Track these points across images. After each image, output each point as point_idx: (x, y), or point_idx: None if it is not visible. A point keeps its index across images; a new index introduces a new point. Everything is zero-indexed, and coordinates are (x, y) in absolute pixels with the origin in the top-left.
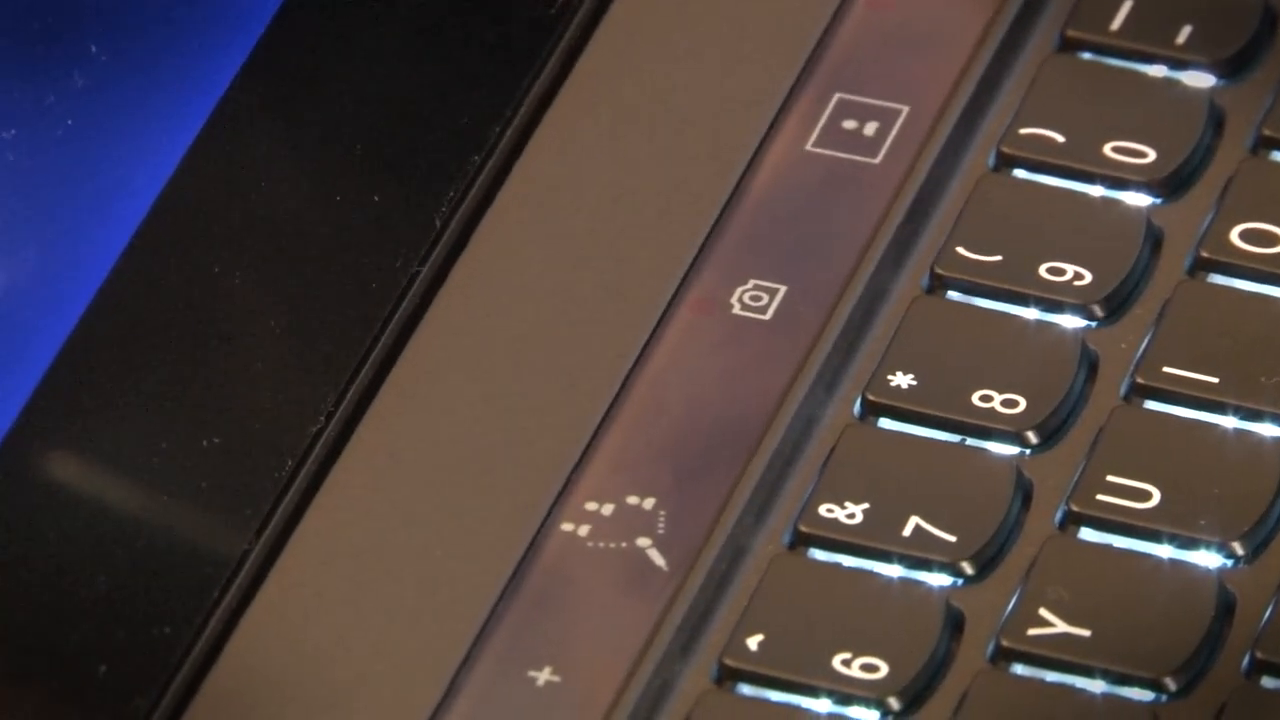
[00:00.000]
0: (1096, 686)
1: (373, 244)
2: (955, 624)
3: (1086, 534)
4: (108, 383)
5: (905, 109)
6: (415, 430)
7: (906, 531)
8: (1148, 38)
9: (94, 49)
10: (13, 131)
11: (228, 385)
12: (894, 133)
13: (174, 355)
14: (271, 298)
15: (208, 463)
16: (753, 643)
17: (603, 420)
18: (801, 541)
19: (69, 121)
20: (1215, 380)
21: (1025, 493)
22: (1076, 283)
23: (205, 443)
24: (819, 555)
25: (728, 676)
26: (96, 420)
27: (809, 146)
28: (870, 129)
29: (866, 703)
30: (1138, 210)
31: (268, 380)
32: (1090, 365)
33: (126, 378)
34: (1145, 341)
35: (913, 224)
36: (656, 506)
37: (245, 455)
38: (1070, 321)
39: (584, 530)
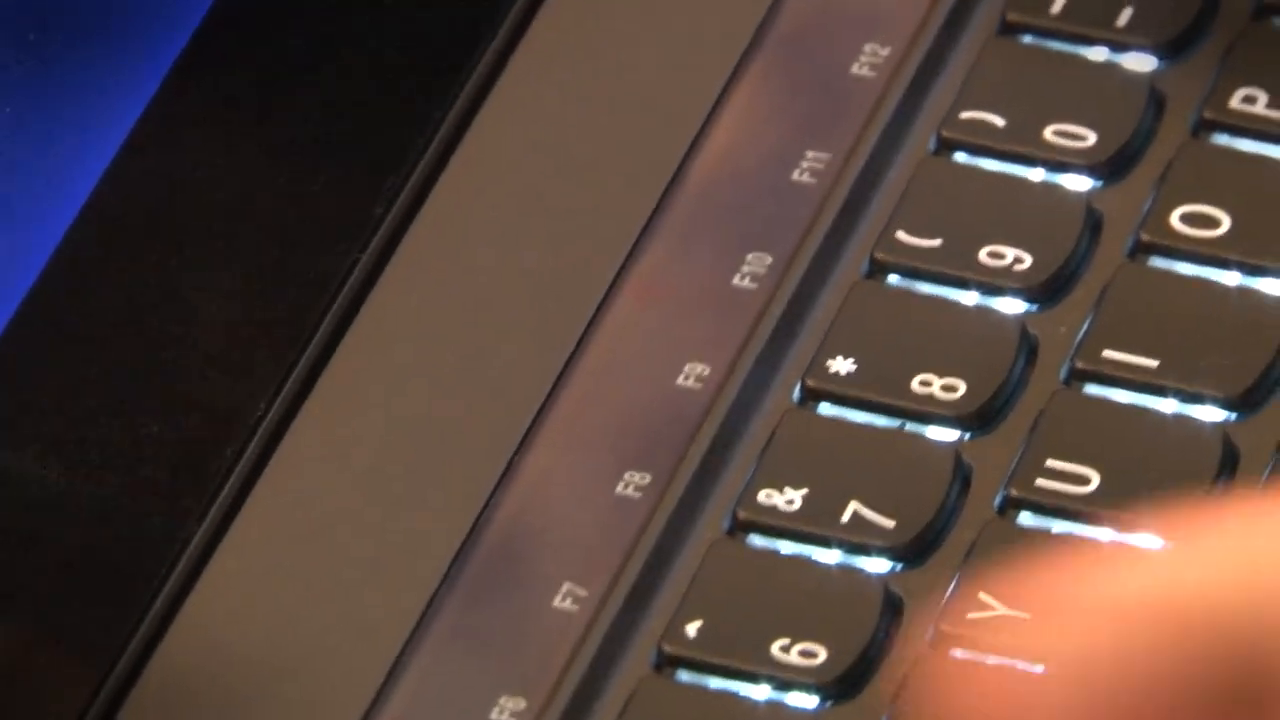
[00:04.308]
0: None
1: (313, 230)
2: (894, 609)
3: (1025, 518)
4: (48, 369)
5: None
6: (357, 413)
7: (845, 517)
8: (1088, 20)
9: (31, 37)
10: None
11: (170, 370)
12: None
13: (115, 342)
14: (212, 284)
15: (151, 445)
16: (691, 629)
17: (544, 405)
18: (740, 527)
19: (6, 109)
20: (1155, 364)
21: (964, 477)
22: (1016, 266)
23: (147, 428)
24: (757, 541)
25: (667, 663)
26: (37, 405)
27: None
28: None
29: (805, 688)
30: (1078, 194)
31: (210, 365)
32: (1030, 349)
33: (67, 364)
34: (1085, 325)
35: (852, 208)
36: None
37: (189, 436)
38: (1010, 305)
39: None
